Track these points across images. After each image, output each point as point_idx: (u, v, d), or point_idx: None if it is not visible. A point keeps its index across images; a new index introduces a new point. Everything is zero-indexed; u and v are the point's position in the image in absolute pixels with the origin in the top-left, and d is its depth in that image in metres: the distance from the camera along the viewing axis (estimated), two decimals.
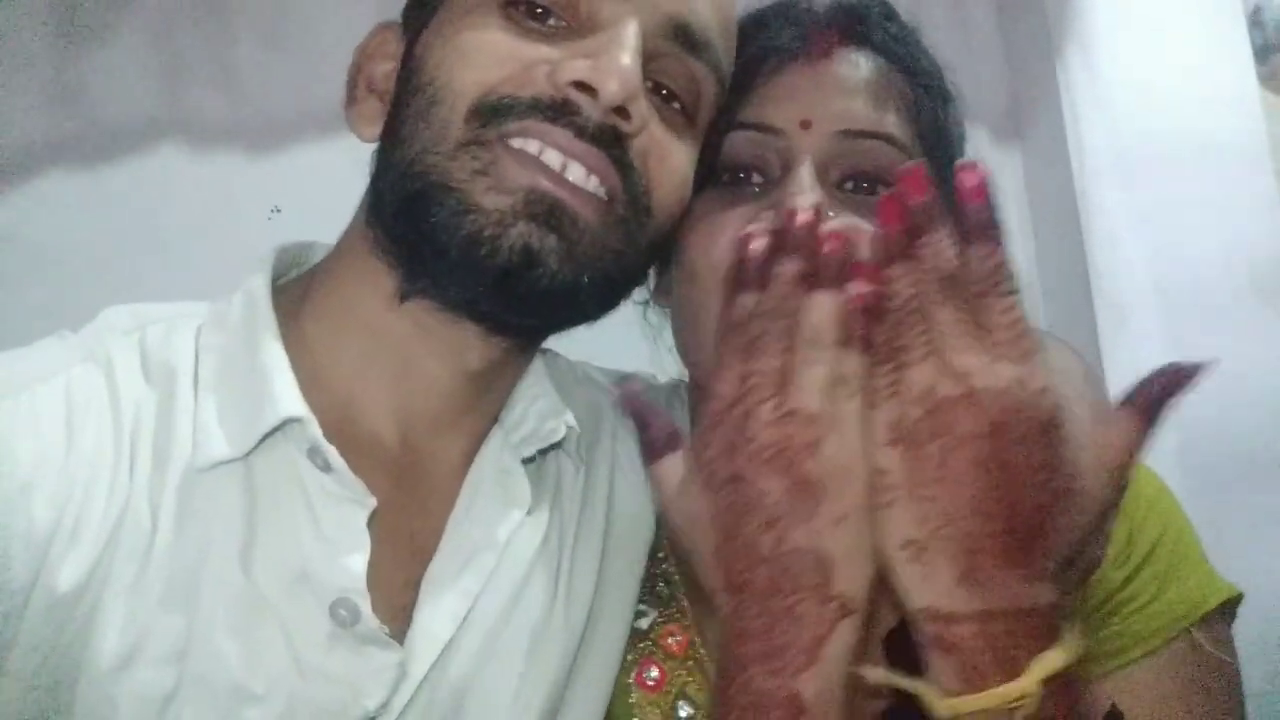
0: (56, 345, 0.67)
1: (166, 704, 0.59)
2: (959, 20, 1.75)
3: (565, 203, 0.63)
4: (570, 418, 0.78)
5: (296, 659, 0.63)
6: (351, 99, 0.74)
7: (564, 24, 0.67)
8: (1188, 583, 0.73)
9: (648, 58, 0.66)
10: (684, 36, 0.69)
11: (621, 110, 0.64)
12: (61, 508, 0.59)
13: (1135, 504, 0.74)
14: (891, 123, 0.74)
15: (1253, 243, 1.62)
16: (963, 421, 0.51)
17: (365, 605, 0.65)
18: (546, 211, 0.63)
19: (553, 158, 0.64)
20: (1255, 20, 1.82)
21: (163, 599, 0.61)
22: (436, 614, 0.69)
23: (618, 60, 0.63)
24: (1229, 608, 0.75)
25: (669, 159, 0.70)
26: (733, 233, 0.72)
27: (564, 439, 0.78)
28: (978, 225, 0.53)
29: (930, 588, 0.52)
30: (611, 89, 0.63)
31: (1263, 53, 1.79)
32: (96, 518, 0.60)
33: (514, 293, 0.64)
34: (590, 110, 0.64)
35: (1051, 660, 0.50)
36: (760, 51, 0.76)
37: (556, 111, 0.64)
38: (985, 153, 1.60)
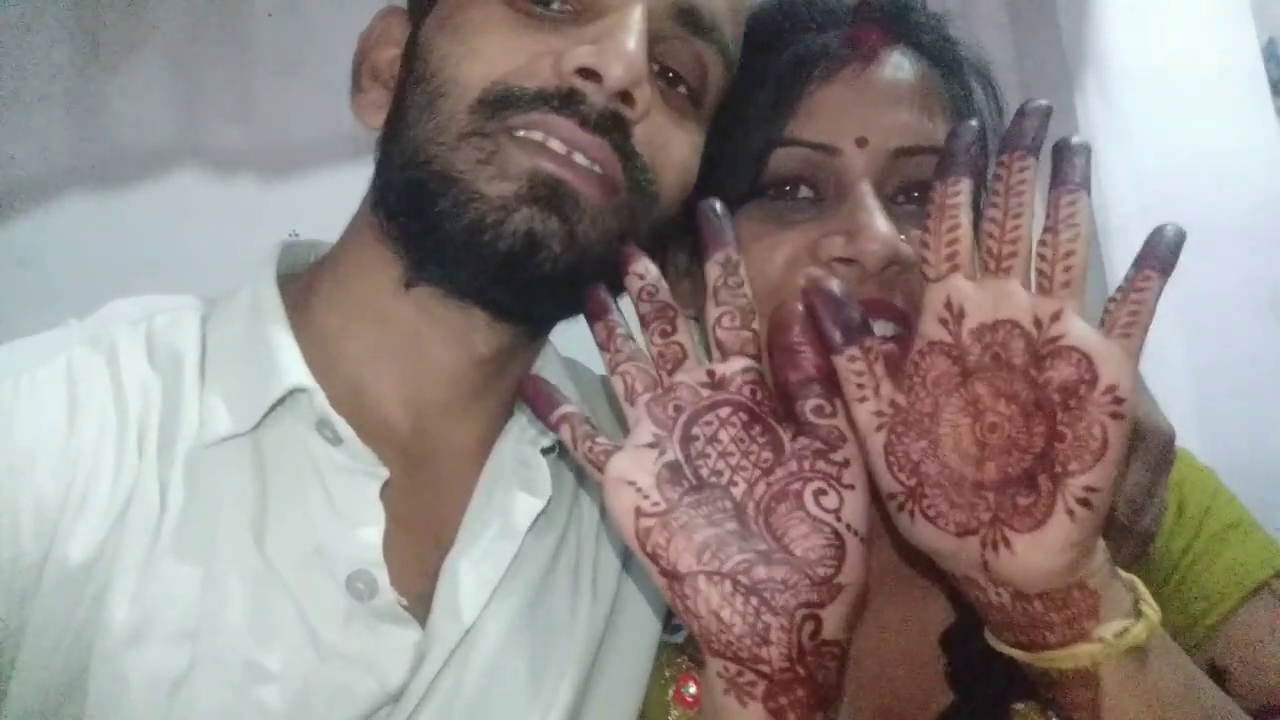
0: (60, 331, 0.68)
1: (179, 683, 0.59)
2: (973, 43, 1.75)
3: (569, 183, 0.64)
4: (587, 410, 0.77)
5: (313, 637, 0.63)
6: (357, 86, 0.74)
7: (568, 8, 0.67)
8: (1251, 541, 0.76)
9: (654, 40, 0.66)
10: (691, 19, 0.68)
11: (626, 95, 0.64)
12: (68, 481, 0.59)
13: (1180, 479, 0.76)
14: (941, 132, 0.74)
15: (1276, 273, 1.61)
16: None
17: (383, 576, 0.64)
18: (550, 193, 0.63)
19: (557, 146, 0.64)
20: (1270, 53, 1.82)
21: (173, 576, 0.61)
22: (457, 598, 0.68)
23: (623, 44, 0.63)
24: None
25: (672, 145, 0.70)
26: (789, 252, 0.72)
27: None
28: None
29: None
30: (616, 73, 0.63)
31: (1276, 86, 1.79)
32: (104, 493, 0.60)
33: (518, 278, 0.64)
34: (595, 97, 0.64)
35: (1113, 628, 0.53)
36: (801, 59, 0.75)
37: (561, 102, 0.64)
38: None
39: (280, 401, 0.66)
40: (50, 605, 0.58)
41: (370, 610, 0.64)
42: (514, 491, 0.73)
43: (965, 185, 0.56)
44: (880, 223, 0.69)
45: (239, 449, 0.65)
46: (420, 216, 0.65)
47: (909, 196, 0.73)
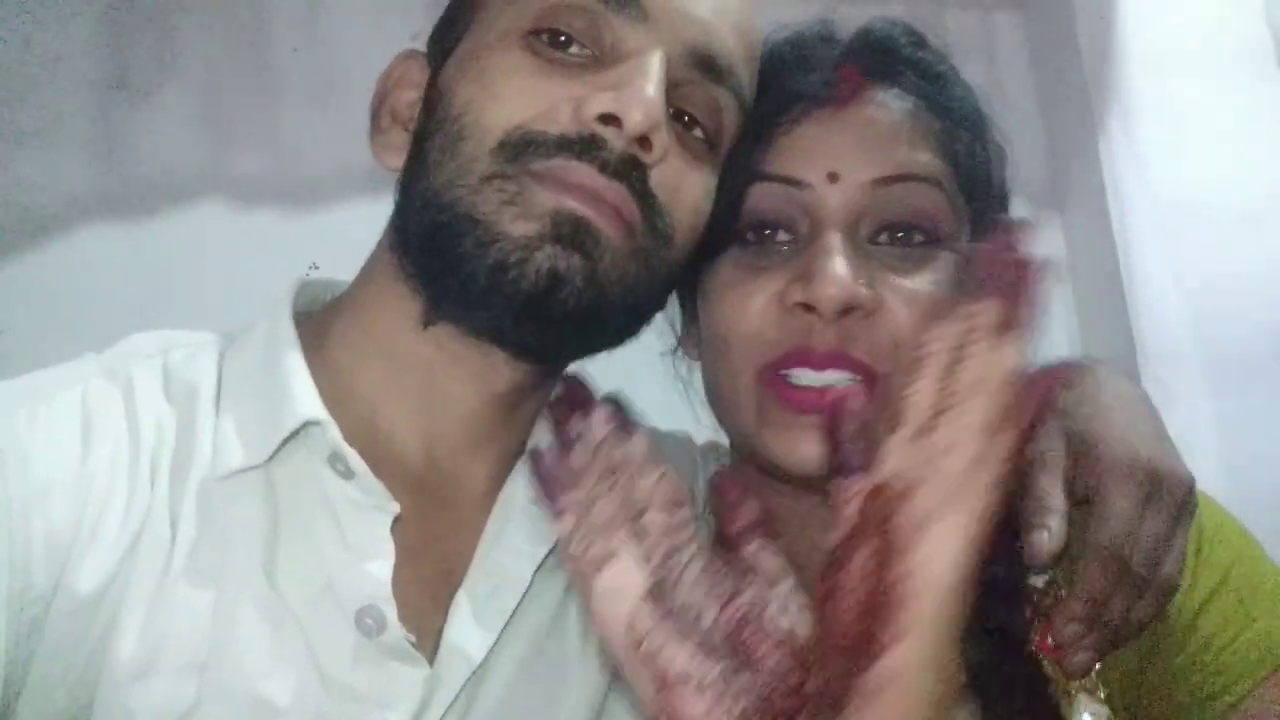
0: (77, 364, 0.68)
1: (186, 716, 0.59)
2: (996, 89, 1.76)
3: (591, 220, 0.64)
4: None
5: (321, 673, 0.62)
6: (376, 128, 0.75)
7: (587, 53, 0.68)
8: None
9: (671, 85, 0.67)
10: (707, 64, 0.69)
11: (643, 140, 0.65)
12: (80, 512, 0.59)
13: (1198, 533, 0.71)
14: (925, 162, 0.72)
15: None
16: None
17: (391, 613, 0.64)
18: (572, 231, 0.64)
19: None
20: None
21: (183, 608, 0.61)
22: (466, 636, 0.67)
23: (642, 91, 0.64)
24: None
25: (686, 188, 0.70)
26: (762, 302, 0.71)
27: None
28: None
29: None
30: (636, 119, 0.63)
31: None
32: (115, 524, 0.60)
33: (540, 316, 0.64)
34: (615, 142, 0.64)
35: None
36: (783, 96, 0.75)
37: (582, 147, 0.64)
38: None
39: (293, 435, 0.66)
40: (58, 636, 0.58)
41: (378, 647, 0.64)
42: (524, 530, 0.72)
43: None
44: (837, 266, 0.68)
45: (252, 482, 0.65)
46: (443, 257, 0.65)
47: (893, 236, 0.72)
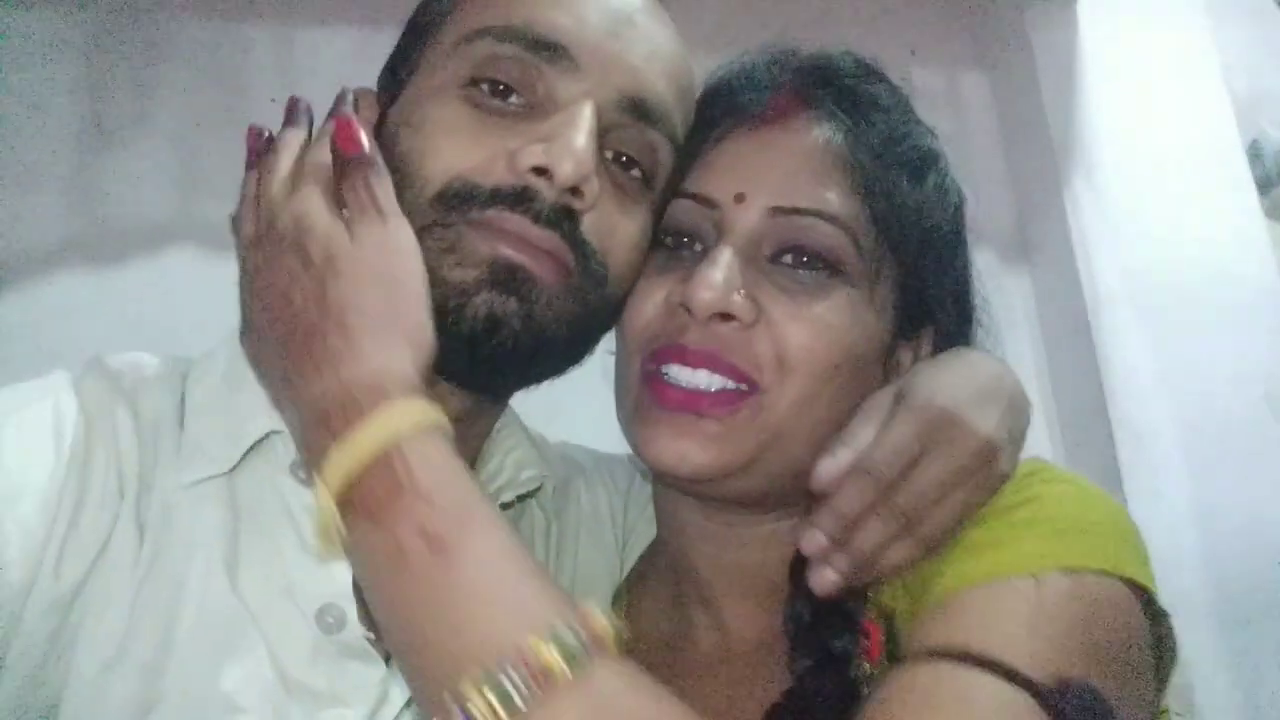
0: (47, 379, 0.70)
1: (148, 712, 0.60)
2: (963, 144, 1.79)
3: (525, 267, 0.67)
4: (545, 468, 0.82)
5: (281, 672, 0.64)
6: None
7: (524, 102, 0.70)
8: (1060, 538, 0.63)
9: (605, 129, 0.70)
10: (639, 109, 0.72)
11: (575, 189, 0.67)
12: (52, 515, 0.62)
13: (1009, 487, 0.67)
14: (831, 200, 0.73)
15: (1268, 368, 1.62)
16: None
17: (352, 610, 0.66)
18: (508, 277, 0.67)
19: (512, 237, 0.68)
20: (1254, 154, 1.87)
21: (147, 608, 0.63)
22: None
23: (572, 142, 0.67)
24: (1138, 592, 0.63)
25: (619, 230, 0.73)
26: (658, 299, 0.74)
27: (539, 491, 0.83)
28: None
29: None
30: (566, 170, 0.66)
31: (1264, 185, 1.83)
32: (85, 530, 0.63)
33: (479, 356, 0.67)
34: (546, 193, 0.67)
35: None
36: (710, 117, 0.78)
37: (515, 199, 0.67)
38: (994, 275, 1.63)
39: (255, 447, 0.69)
40: (31, 636, 0.60)
41: (338, 645, 0.66)
42: None
43: None
44: (714, 274, 0.70)
45: (215, 491, 0.68)
46: None
47: (796, 260, 0.73)
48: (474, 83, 0.70)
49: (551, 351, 0.70)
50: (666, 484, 0.77)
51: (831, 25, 1.68)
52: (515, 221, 0.67)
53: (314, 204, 0.64)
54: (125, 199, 1.45)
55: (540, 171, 0.67)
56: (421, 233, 0.66)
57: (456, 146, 0.69)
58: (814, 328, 0.71)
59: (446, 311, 0.66)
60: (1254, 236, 1.74)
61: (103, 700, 0.60)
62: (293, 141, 0.69)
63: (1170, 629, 0.66)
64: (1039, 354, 1.71)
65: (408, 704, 0.67)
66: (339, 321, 0.60)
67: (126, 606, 0.62)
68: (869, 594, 0.68)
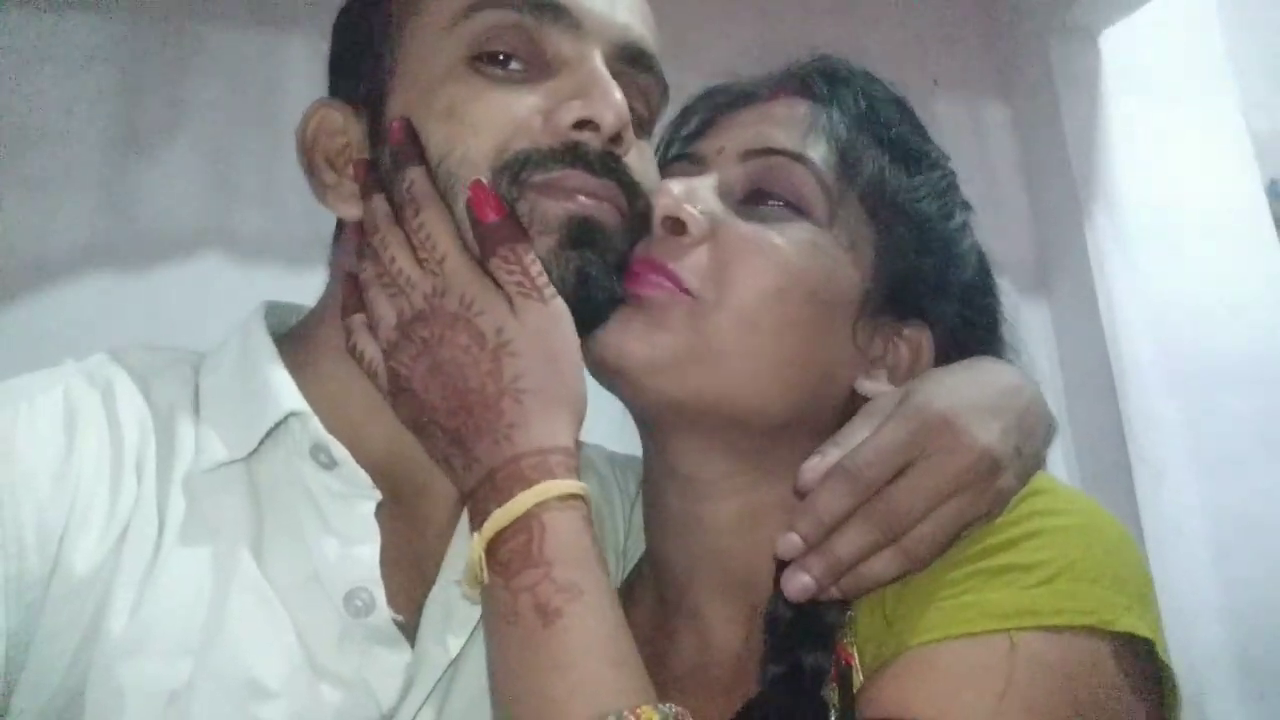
0: (57, 368, 0.70)
1: (176, 696, 0.60)
2: (985, 175, 1.80)
3: (596, 217, 0.69)
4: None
5: (310, 657, 0.65)
6: (319, 181, 0.75)
7: (524, 67, 0.71)
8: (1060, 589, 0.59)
9: None
10: (634, 57, 0.74)
11: (615, 136, 0.69)
12: (70, 501, 0.61)
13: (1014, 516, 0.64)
14: (803, 144, 0.74)
15: None
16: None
17: (380, 594, 0.67)
18: (585, 231, 0.69)
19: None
20: (1274, 192, 1.87)
21: (173, 590, 0.63)
22: (440, 634, 0.70)
23: (610, 94, 0.69)
24: (1134, 647, 0.60)
25: (649, 168, 0.76)
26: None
27: None
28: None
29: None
30: (609, 120, 0.68)
31: None
32: (103, 513, 0.62)
33: (575, 314, 0.68)
34: (594, 144, 0.69)
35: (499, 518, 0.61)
36: (711, 104, 0.82)
37: (572, 156, 0.69)
38: (1012, 306, 1.64)
39: (274, 431, 0.69)
40: (55, 619, 0.60)
41: (365, 629, 0.66)
42: None
43: None
44: (676, 188, 0.72)
45: (234, 477, 0.68)
46: None
47: (764, 197, 0.74)
48: (476, 58, 0.70)
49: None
50: (607, 385, 0.76)
51: (854, 54, 1.69)
52: (578, 177, 0.69)
53: (473, 281, 0.66)
54: (157, 206, 1.46)
55: (582, 125, 0.68)
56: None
57: (493, 117, 0.69)
58: (760, 246, 0.71)
59: None
60: (1273, 272, 1.75)
61: (129, 686, 0.60)
62: (428, 220, 0.69)
63: (1174, 684, 0.62)
64: (1057, 387, 1.71)
65: (430, 694, 0.68)
66: (515, 398, 0.64)
67: (149, 592, 0.62)
68: (850, 610, 0.66)
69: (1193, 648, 1.42)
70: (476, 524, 0.63)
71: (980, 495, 0.62)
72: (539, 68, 0.71)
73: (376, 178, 0.71)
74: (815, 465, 0.65)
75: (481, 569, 0.62)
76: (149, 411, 0.69)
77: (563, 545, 0.61)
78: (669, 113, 0.82)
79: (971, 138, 1.83)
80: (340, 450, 0.68)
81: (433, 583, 0.72)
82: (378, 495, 0.69)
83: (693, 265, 0.71)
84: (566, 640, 0.58)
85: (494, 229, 0.67)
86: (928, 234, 0.77)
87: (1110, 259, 1.68)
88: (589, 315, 0.70)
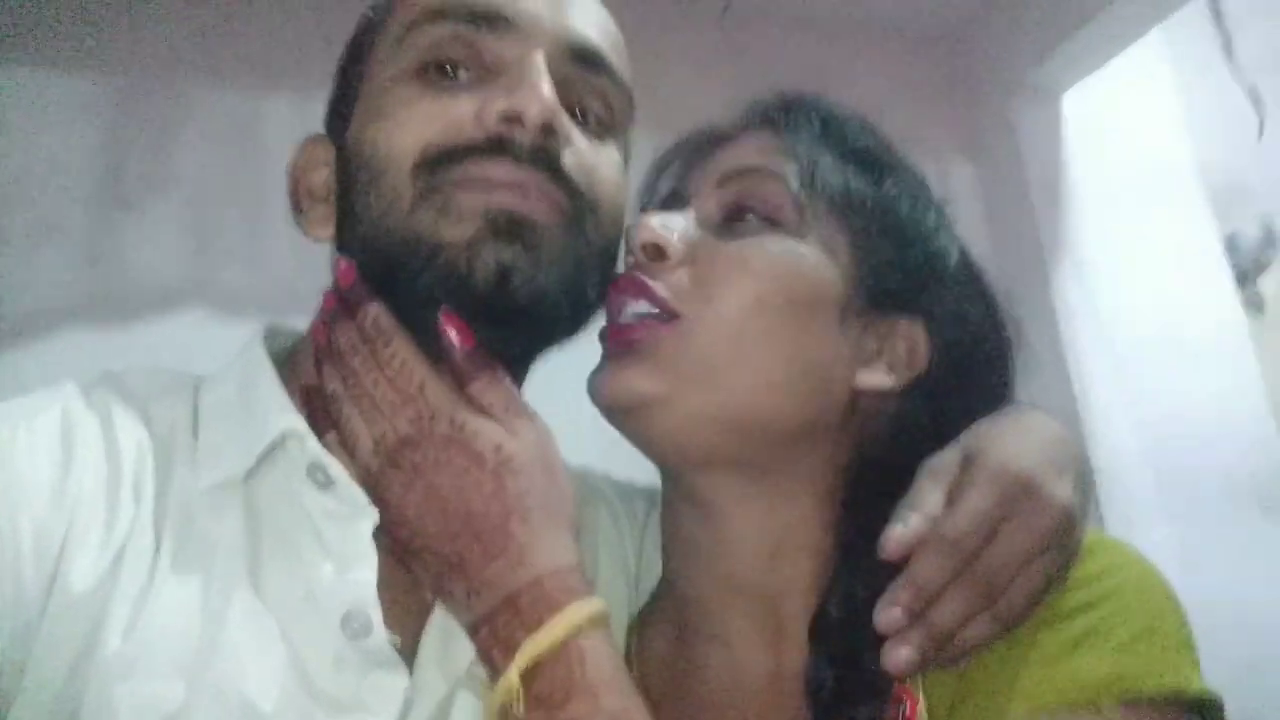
0: (53, 389, 0.70)
1: (172, 718, 0.59)
2: None
3: (522, 211, 0.67)
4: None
5: (306, 680, 0.63)
6: (298, 210, 0.78)
7: (472, 75, 0.72)
8: (1131, 655, 0.61)
9: (558, 84, 0.71)
10: (584, 57, 0.74)
11: (548, 130, 0.68)
12: (67, 519, 0.61)
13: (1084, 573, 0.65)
14: (771, 159, 0.76)
15: (1252, 462, 1.66)
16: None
17: (377, 616, 0.65)
18: (507, 224, 0.66)
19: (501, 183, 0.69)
20: (1231, 246, 1.93)
21: (169, 610, 0.62)
22: (440, 652, 0.69)
23: (535, 85, 0.68)
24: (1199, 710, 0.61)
25: (600, 165, 0.74)
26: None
27: None
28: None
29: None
30: (534, 110, 0.67)
31: (1240, 278, 1.89)
32: (100, 533, 0.62)
33: (496, 310, 0.67)
34: (521, 138, 0.68)
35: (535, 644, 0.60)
36: (689, 145, 0.83)
37: (493, 149, 0.68)
38: None
39: (271, 452, 0.68)
40: (52, 638, 0.59)
41: (362, 652, 0.65)
42: None
43: None
44: (654, 219, 0.74)
45: (231, 497, 0.67)
46: (392, 284, 0.68)
47: (739, 214, 0.76)
48: (422, 69, 0.72)
49: (560, 299, 0.70)
50: (615, 424, 0.76)
51: None
52: (498, 168, 0.68)
53: (459, 405, 0.67)
54: (140, 261, 1.48)
55: (509, 120, 0.68)
56: (413, 206, 0.67)
57: (422, 117, 0.69)
58: (737, 259, 0.73)
59: (455, 273, 0.66)
60: (1234, 320, 1.79)
61: (124, 707, 0.59)
62: (384, 348, 0.69)
63: None
64: None
65: (432, 716, 0.67)
66: (523, 517, 0.64)
67: (145, 612, 0.61)
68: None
69: None
70: (498, 652, 0.62)
71: (1063, 552, 0.63)
72: (483, 75, 0.72)
73: (346, 307, 0.70)
74: (901, 535, 0.63)
75: (519, 701, 0.59)
76: (147, 432, 0.68)
77: (604, 672, 0.60)
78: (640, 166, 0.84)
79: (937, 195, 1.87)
80: (337, 469, 0.67)
81: (431, 607, 0.71)
82: (374, 513, 0.68)
83: (674, 284, 0.72)
84: None
85: (472, 355, 0.67)
86: (901, 231, 0.78)
87: (1074, 308, 1.72)
88: (504, 321, 0.69)
